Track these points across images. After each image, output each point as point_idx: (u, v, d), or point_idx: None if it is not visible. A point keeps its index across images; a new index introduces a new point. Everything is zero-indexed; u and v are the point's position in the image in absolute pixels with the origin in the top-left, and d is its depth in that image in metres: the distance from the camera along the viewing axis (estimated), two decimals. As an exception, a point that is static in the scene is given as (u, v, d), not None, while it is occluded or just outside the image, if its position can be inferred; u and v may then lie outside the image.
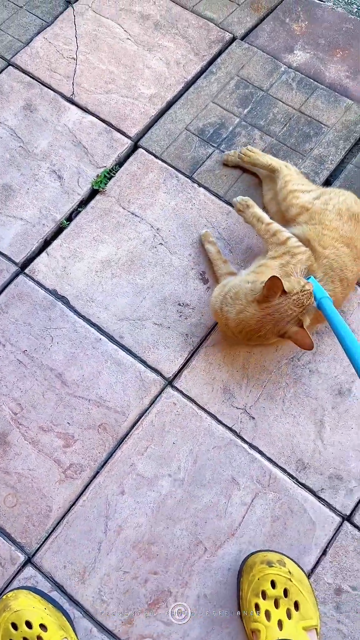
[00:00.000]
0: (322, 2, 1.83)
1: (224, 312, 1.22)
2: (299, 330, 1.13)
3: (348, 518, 1.21)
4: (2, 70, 1.68)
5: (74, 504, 1.22)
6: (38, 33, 1.73)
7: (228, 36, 1.74)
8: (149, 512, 1.21)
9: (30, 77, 1.67)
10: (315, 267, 1.23)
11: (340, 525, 1.20)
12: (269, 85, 1.65)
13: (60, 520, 1.21)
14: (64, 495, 1.23)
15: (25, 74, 1.67)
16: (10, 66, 1.69)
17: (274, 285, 1.08)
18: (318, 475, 1.24)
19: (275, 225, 1.28)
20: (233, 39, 1.74)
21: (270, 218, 1.45)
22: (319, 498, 1.23)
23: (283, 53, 1.72)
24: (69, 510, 1.22)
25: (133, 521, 1.21)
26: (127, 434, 1.27)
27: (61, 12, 1.77)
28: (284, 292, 1.10)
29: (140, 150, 1.58)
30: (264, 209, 1.48)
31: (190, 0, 1.79)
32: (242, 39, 1.74)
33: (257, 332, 1.16)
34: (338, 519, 1.21)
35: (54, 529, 1.20)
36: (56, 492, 1.23)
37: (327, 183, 1.53)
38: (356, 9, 1.86)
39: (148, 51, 1.71)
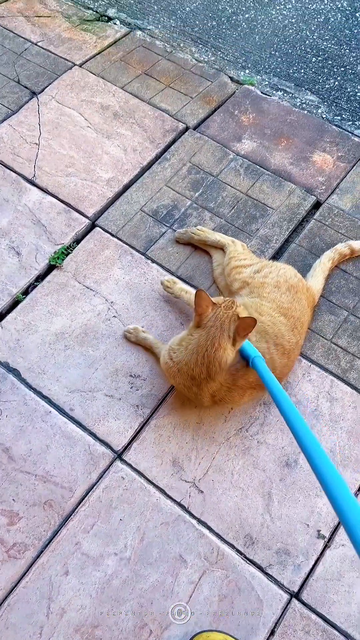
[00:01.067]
0: (268, 96, 2.01)
1: (174, 358, 1.24)
2: (238, 321, 1.18)
3: (296, 595, 1.20)
4: (-32, 153, 1.78)
5: (16, 585, 1.18)
6: (3, 120, 1.85)
7: (181, 126, 1.88)
8: (94, 593, 1.18)
9: (-6, 160, 1.76)
10: None
11: (289, 602, 1.19)
12: (219, 171, 1.78)
13: (1, 603, 1.16)
14: (7, 576, 1.19)
15: (-10, 157, 1.77)
16: (-25, 150, 1.79)
17: (201, 298, 1.18)
18: (266, 551, 1.24)
19: None
20: (186, 129, 1.88)
21: (220, 291, 1.53)
22: (266, 574, 1.21)
23: (232, 142, 1.86)
24: (10, 592, 1.17)
25: (77, 603, 1.17)
26: (73, 511, 1.26)
27: (26, 102, 1.90)
28: (213, 304, 1.20)
29: (97, 229, 1.66)
30: (214, 283, 1.56)
31: (147, 93, 1.95)
32: (195, 128, 1.89)
33: (212, 346, 1.18)
34: (286, 597, 1.19)
35: (-7, 613, 1.16)
36: (-2, 573, 1.19)
37: (273, 259, 1.62)
38: (299, 103, 2.04)
39: (107, 138, 1.83)
